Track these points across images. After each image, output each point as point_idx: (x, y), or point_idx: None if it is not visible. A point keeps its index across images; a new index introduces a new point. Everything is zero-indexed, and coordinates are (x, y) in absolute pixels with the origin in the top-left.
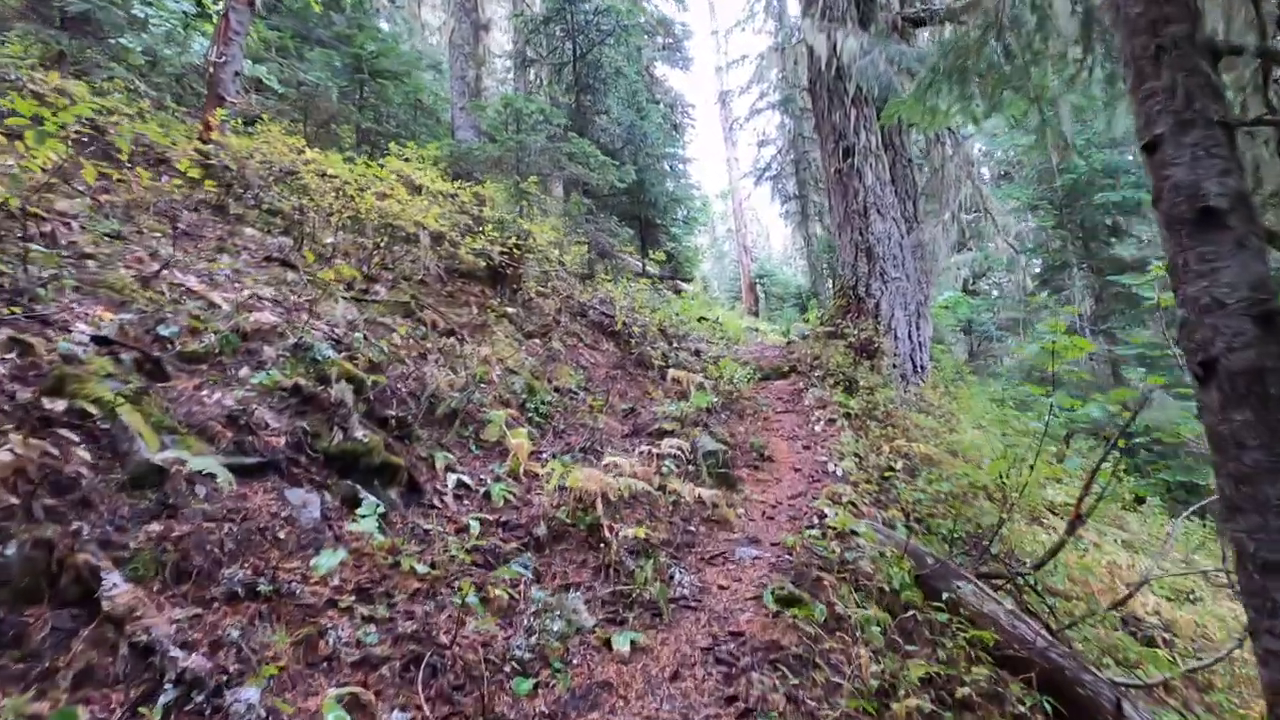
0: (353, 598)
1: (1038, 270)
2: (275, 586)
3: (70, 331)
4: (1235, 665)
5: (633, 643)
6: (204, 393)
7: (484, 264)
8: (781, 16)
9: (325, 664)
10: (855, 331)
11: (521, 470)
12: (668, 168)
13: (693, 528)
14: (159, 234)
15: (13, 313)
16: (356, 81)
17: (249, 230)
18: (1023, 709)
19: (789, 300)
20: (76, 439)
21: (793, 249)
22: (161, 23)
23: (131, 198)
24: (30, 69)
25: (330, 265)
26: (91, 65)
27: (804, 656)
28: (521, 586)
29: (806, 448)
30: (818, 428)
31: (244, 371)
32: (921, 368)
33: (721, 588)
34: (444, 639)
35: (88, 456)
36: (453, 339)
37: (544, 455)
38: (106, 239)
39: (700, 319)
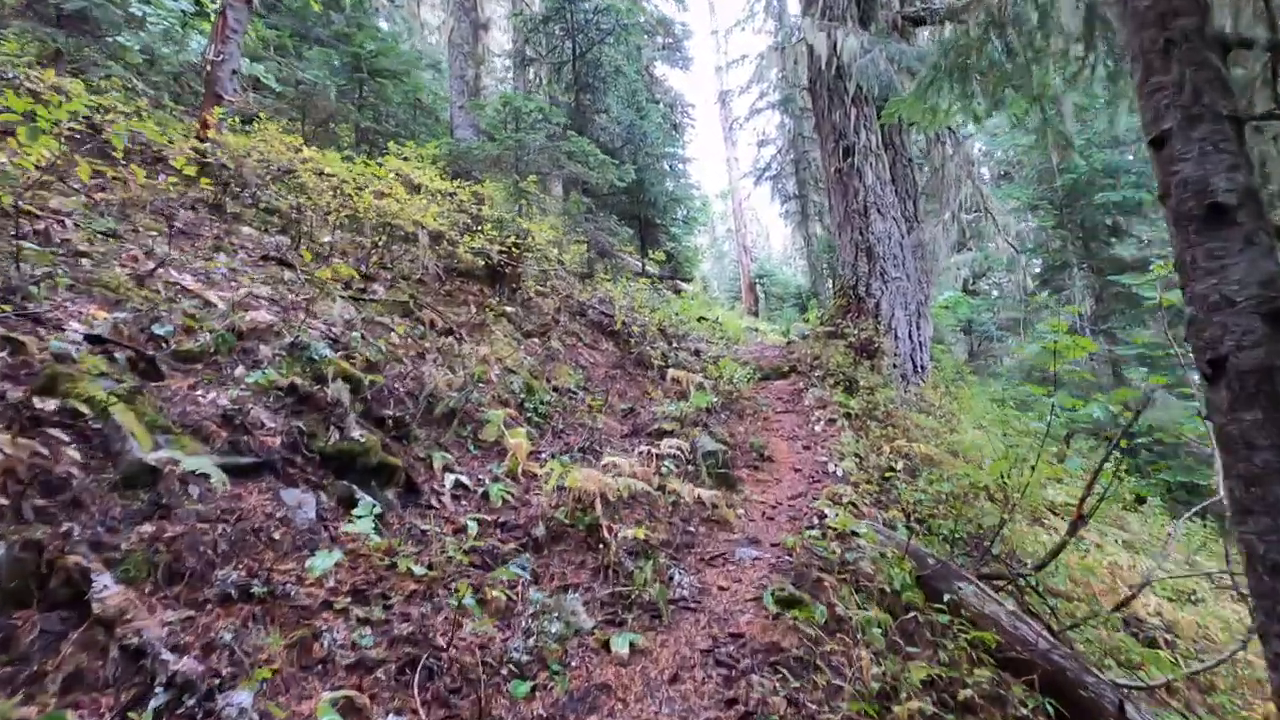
0: (348, 599)
1: (1038, 270)
2: (269, 588)
3: (63, 330)
4: (1238, 667)
5: (632, 645)
6: (199, 392)
7: (483, 263)
8: (781, 16)
9: (320, 667)
10: (855, 331)
11: (520, 470)
12: (667, 167)
13: (692, 528)
14: (155, 232)
15: (3, 311)
16: (355, 80)
17: (246, 229)
18: (1025, 711)
19: (789, 300)
20: (67, 439)
21: (793, 249)
22: (159, 21)
23: (128, 196)
24: (27, 67)
25: (328, 264)
26: (89, 63)
27: (805, 658)
28: (519, 588)
29: (806, 448)
30: (818, 428)
31: (239, 370)
32: (922, 368)
33: (721, 589)
34: (441, 641)
35: (78, 456)
36: (451, 338)
37: (543, 455)
38: (101, 237)
39: (700, 319)
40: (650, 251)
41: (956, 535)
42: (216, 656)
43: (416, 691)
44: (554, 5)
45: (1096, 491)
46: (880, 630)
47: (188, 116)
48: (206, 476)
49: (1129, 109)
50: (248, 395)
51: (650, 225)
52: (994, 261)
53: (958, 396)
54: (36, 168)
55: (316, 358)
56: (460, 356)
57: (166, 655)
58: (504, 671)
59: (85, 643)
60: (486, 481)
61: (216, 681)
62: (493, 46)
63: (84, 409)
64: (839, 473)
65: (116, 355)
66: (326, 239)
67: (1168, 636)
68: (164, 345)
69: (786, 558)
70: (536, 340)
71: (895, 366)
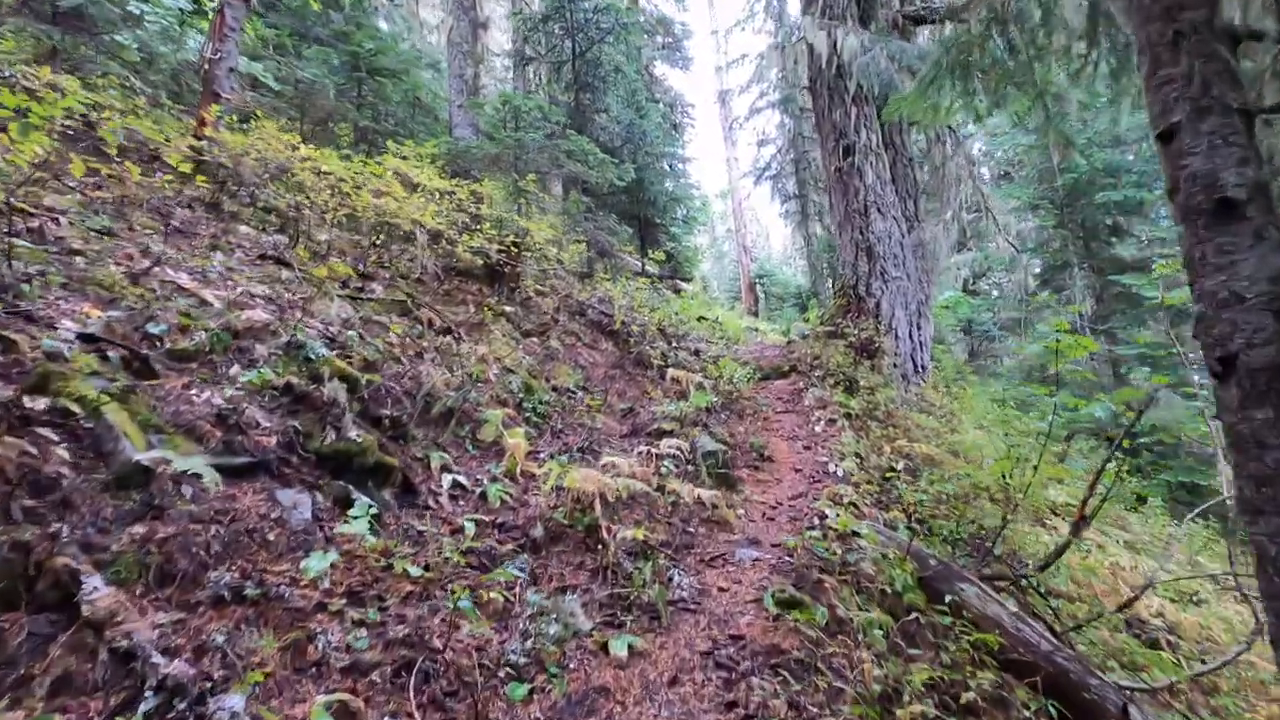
0: (343, 601)
1: (1038, 270)
2: (263, 590)
3: (55, 328)
4: (1241, 669)
5: (630, 647)
6: (193, 391)
7: (481, 262)
8: (781, 15)
9: (314, 670)
10: (856, 331)
11: (518, 470)
12: (667, 167)
13: (692, 529)
14: (151, 231)
15: None
16: (354, 79)
17: (243, 227)
18: (1028, 714)
19: (789, 300)
20: (57, 438)
21: (793, 249)
22: (157, 19)
23: (124, 194)
24: (23, 64)
25: (325, 263)
26: (85, 61)
27: (805, 661)
28: (517, 589)
29: (807, 448)
30: (818, 428)
31: (235, 370)
32: (922, 367)
33: (721, 590)
34: (437, 643)
35: (68, 456)
36: (449, 337)
37: (541, 455)
38: (96, 235)
39: (700, 319)
40: (650, 251)
41: (958, 536)
42: (208, 659)
43: (412, 694)
44: (553, 4)
45: (1099, 492)
46: (882, 632)
47: (186, 115)
48: (200, 477)
49: (1132, 106)
50: (243, 394)
51: (650, 225)
52: (994, 261)
53: (958, 396)
54: (30, 164)
55: (313, 357)
56: (458, 356)
57: (157, 658)
58: (501, 674)
59: (74, 645)
60: (484, 482)
61: (208, 685)
62: (492, 45)
63: (75, 408)
64: (839, 473)
65: (110, 354)
66: (324, 238)
67: (1170, 638)
68: (158, 344)
69: (787, 558)
70: (535, 340)
71: (895, 366)
